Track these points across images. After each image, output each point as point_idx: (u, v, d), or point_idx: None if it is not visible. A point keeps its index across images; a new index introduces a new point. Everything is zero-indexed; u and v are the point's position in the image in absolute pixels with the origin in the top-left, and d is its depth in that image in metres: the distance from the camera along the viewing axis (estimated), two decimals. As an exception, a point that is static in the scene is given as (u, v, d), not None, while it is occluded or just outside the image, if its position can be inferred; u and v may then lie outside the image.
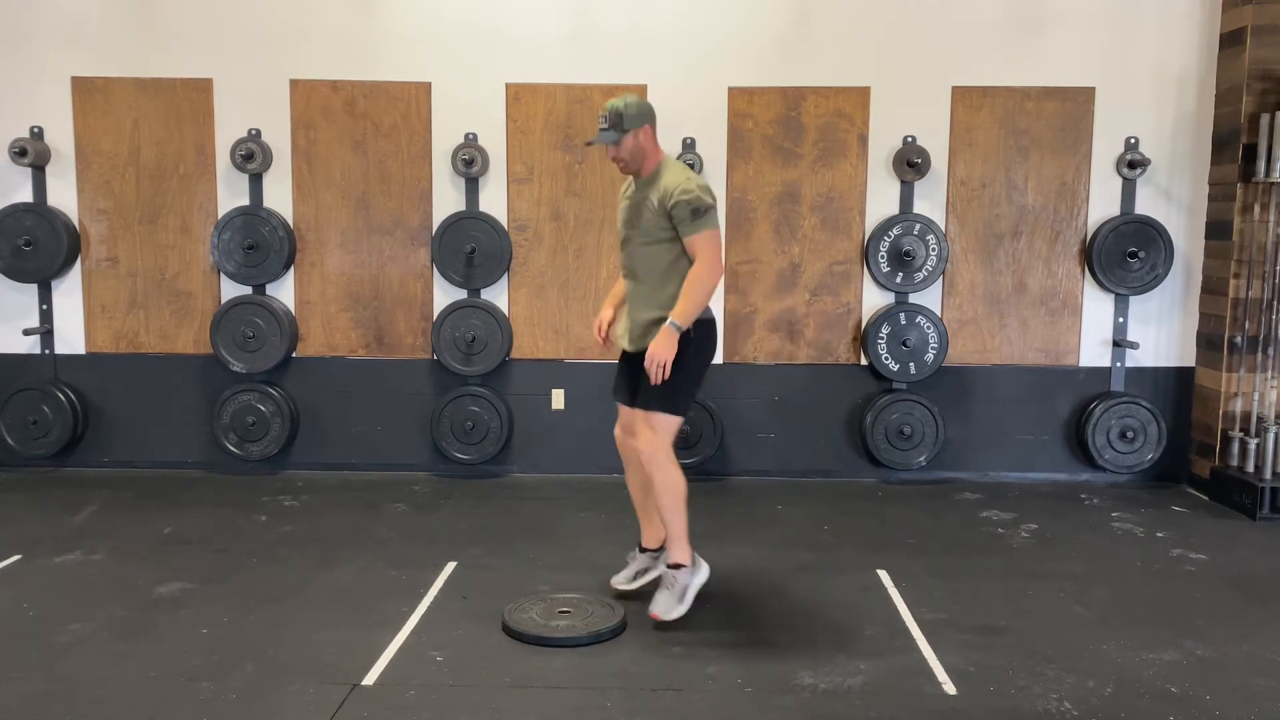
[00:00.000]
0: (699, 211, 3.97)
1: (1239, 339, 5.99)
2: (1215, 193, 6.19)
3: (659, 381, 3.97)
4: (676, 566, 4.15)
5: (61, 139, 6.26)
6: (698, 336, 4.08)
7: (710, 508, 5.67)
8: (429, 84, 6.23)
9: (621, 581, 4.40)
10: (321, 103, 6.24)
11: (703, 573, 4.22)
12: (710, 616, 4.25)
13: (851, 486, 6.27)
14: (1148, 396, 6.31)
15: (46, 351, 6.39)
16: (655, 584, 4.25)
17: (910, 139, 6.20)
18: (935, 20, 6.18)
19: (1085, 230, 6.27)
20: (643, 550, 4.44)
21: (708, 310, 4.13)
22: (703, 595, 4.43)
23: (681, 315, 3.96)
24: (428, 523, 5.51)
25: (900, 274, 6.22)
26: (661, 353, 3.95)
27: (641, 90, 6.19)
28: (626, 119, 4.03)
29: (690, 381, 4.14)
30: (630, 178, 4.24)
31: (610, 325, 4.37)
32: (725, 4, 6.19)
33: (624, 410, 4.32)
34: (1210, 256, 6.23)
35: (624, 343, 4.27)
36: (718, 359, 6.28)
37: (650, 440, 4.07)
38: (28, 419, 6.27)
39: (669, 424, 4.10)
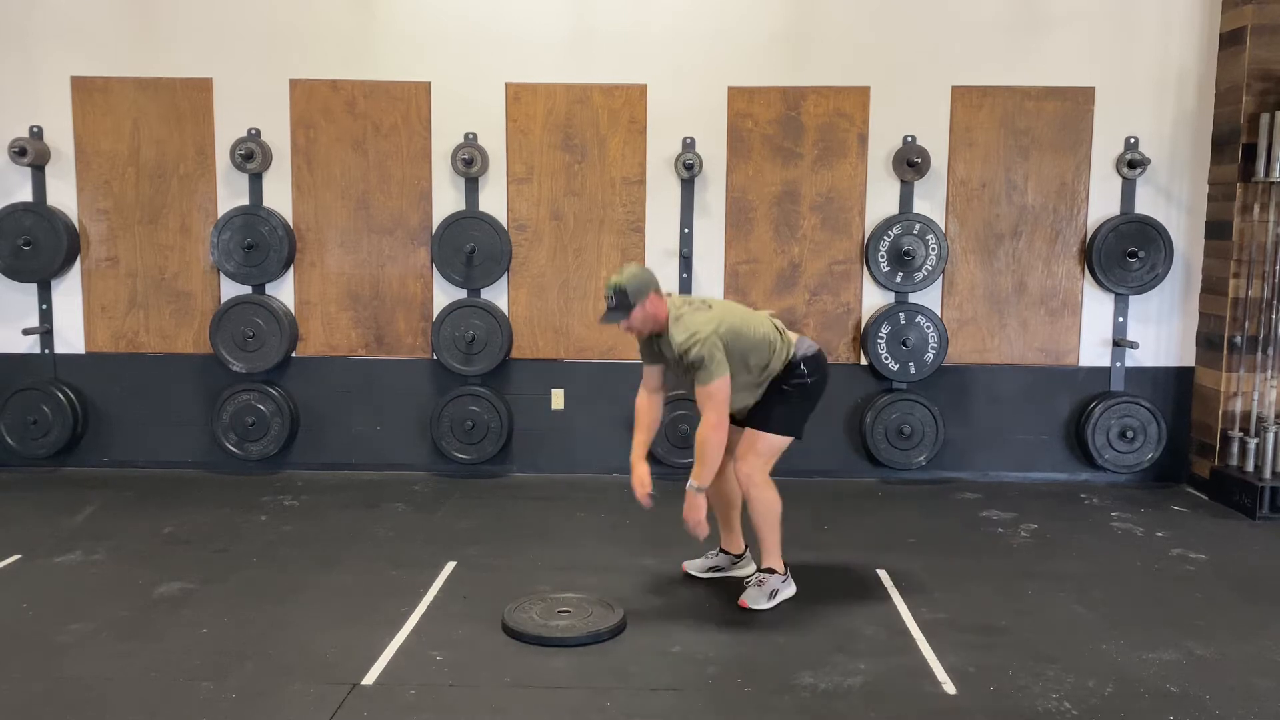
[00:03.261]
0: (697, 366, 4.13)
1: (1239, 339, 5.99)
2: (1215, 192, 6.19)
3: (699, 536, 4.30)
4: (769, 570, 4.40)
5: (61, 139, 6.26)
6: (810, 370, 4.36)
7: (710, 508, 5.66)
8: (429, 84, 6.23)
9: (695, 568, 4.68)
10: (321, 102, 6.24)
11: (792, 587, 4.45)
12: (710, 616, 4.25)
13: (851, 486, 6.27)
14: (1148, 396, 6.31)
15: (46, 351, 6.39)
16: (716, 578, 4.62)
17: (910, 139, 6.20)
18: (935, 20, 6.18)
19: (1085, 230, 6.27)
20: (723, 551, 4.70)
21: (808, 347, 4.40)
22: (704, 595, 4.44)
23: (699, 477, 4.20)
24: (428, 523, 5.51)
25: (900, 274, 6.22)
26: (690, 516, 4.23)
27: (641, 90, 6.20)
28: (630, 294, 4.14)
29: (806, 409, 4.43)
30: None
31: (649, 477, 4.40)
32: (725, 4, 6.19)
33: (733, 436, 4.41)
34: (1210, 256, 6.23)
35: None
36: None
37: (752, 464, 4.32)
38: (28, 419, 6.27)
39: (779, 445, 4.38)
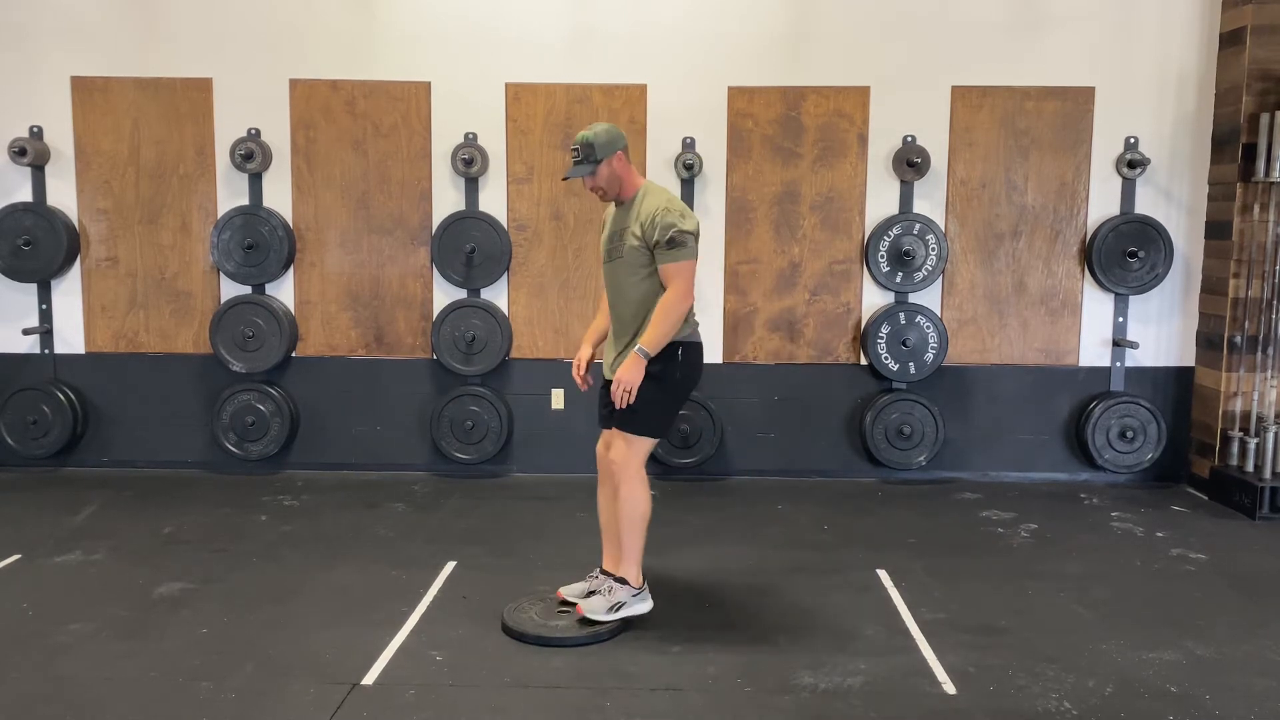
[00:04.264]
0: (675, 242, 3.93)
1: (1239, 339, 5.99)
2: (1215, 192, 6.19)
3: (623, 406, 3.96)
4: (623, 581, 4.10)
5: (61, 139, 6.26)
6: (684, 360, 4.08)
7: (710, 507, 5.68)
8: (429, 84, 6.23)
9: (573, 593, 4.22)
10: (321, 102, 6.24)
11: (645, 604, 4.13)
12: (710, 616, 4.25)
13: (851, 486, 6.27)
14: (1147, 396, 6.31)
15: (46, 351, 6.39)
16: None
17: (910, 139, 6.20)
18: (935, 20, 6.18)
19: (1085, 230, 6.27)
20: (603, 572, 4.22)
21: (696, 334, 4.12)
22: (703, 595, 4.44)
23: (649, 342, 3.95)
24: (428, 523, 5.51)
25: (900, 274, 6.22)
26: (628, 378, 3.94)
27: (641, 90, 6.19)
28: (598, 148, 4.00)
29: (671, 404, 4.13)
30: (611, 204, 4.21)
31: (588, 363, 4.28)
32: (725, 4, 6.19)
33: (607, 433, 4.22)
34: (1210, 256, 6.23)
35: (606, 371, 4.22)
36: (716, 358, 6.31)
37: (623, 453, 4.06)
38: (28, 419, 6.27)
39: (644, 444, 4.10)
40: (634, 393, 3.94)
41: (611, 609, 4.04)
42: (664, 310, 3.94)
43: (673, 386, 4.07)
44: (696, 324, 4.14)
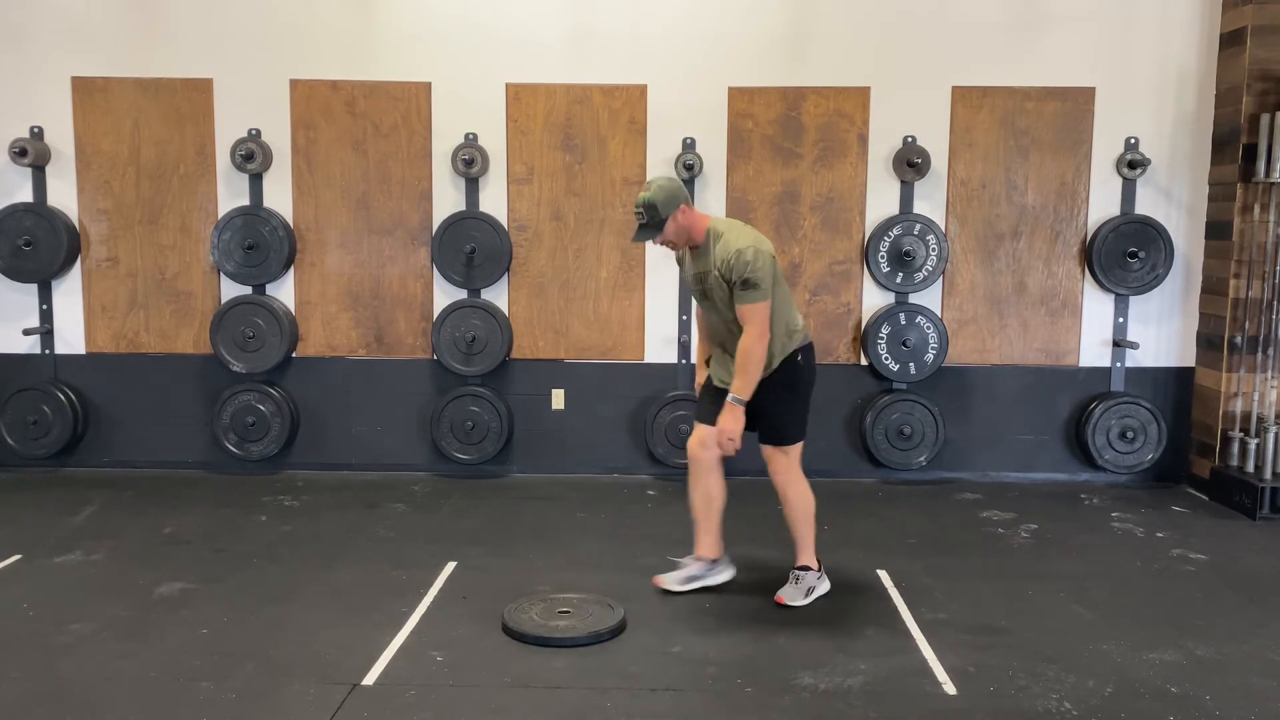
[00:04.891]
0: (748, 284, 4.09)
1: (1239, 339, 5.99)
2: (1215, 193, 6.19)
3: (731, 453, 4.26)
4: (804, 568, 4.44)
5: (61, 139, 6.26)
6: (804, 363, 4.37)
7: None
8: (429, 84, 6.23)
9: (672, 582, 4.47)
10: (321, 103, 6.24)
11: (826, 584, 4.48)
12: (710, 616, 4.25)
13: (851, 486, 6.27)
14: (1148, 396, 6.31)
15: (46, 351, 6.39)
16: (706, 586, 4.50)
17: (910, 139, 6.20)
18: (935, 20, 6.18)
19: (1085, 230, 6.27)
20: (698, 558, 4.52)
21: (806, 337, 4.38)
22: (703, 595, 4.43)
23: (740, 390, 4.17)
24: (428, 523, 5.51)
25: (900, 274, 6.22)
26: (729, 428, 4.20)
27: (641, 90, 6.19)
28: (660, 207, 4.07)
29: (806, 404, 4.44)
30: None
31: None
32: (725, 4, 6.19)
33: (704, 429, 4.38)
34: (1210, 256, 6.23)
35: (715, 379, 4.43)
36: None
37: (782, 464, 4.39)
38: (28, 419, 6.27)
39: (799, 449, 4.43)
40: (739, 438, 4.21)
41: (806, 594, 4.38)
42: (744, 355, 4.15)
43: (804, 389, 4.41)
44: (802, 327, 4.37)
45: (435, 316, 6.31)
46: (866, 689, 3.64)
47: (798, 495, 4.41)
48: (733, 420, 4.18)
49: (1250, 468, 5.90)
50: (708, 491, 4.44)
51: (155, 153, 6.27)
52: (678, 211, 4.10)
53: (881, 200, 6.26)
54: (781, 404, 4.32)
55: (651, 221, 4.08)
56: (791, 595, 4.37)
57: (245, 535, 5.26)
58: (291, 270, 6.34)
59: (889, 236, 6.19)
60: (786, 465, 4.38)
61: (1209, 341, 6.20)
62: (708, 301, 4.30)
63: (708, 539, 4.50)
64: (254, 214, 6.21)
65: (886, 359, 6.22)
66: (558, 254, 6.32)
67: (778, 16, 6.20)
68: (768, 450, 4.40)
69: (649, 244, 6.17)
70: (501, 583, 4.55)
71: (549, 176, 6.27)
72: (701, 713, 3.49)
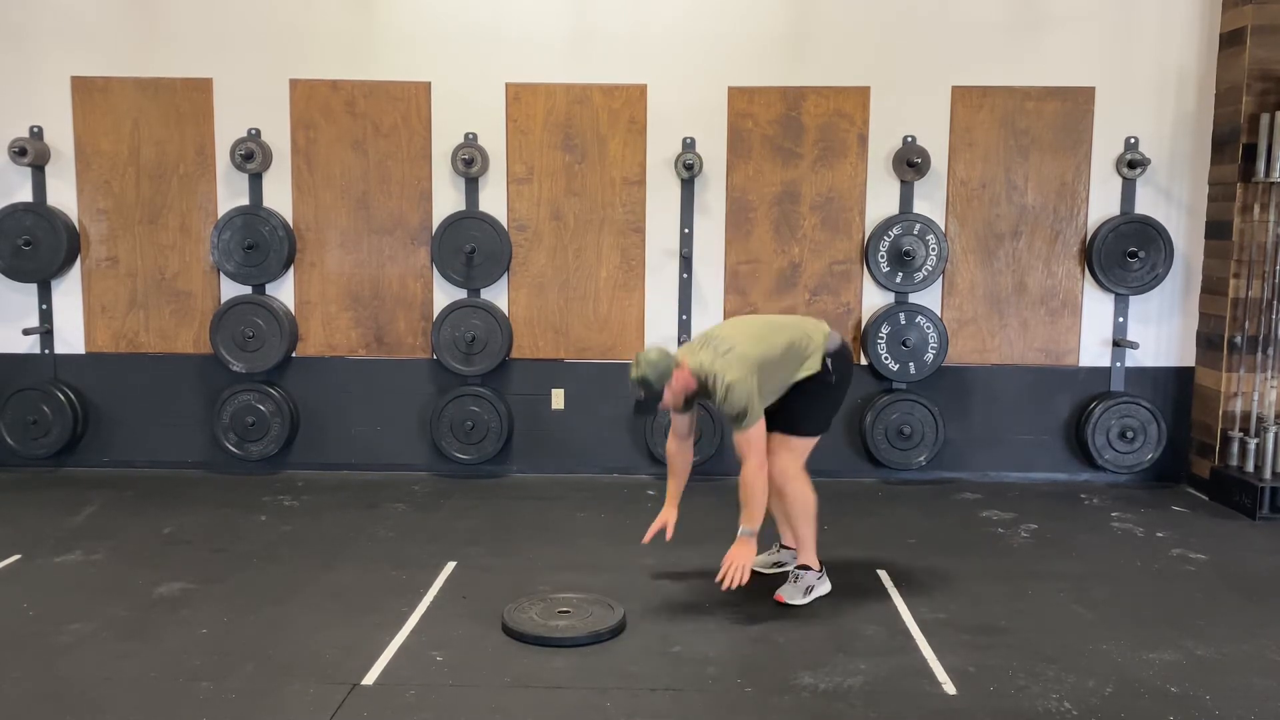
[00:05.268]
0: (737, 417, 4.15)
1: (1239, 339, 5.99)
2: (1215, 193, 6.19)
3: (731, 587, 4.18)
4: (805, 568, 4.48)
5: (61, 139, 6.26)
6: (836, 367, 4.41)
7: (710, 508, 5.67)
8: (429, 84, 6.23)
9: (759, 564, 4.59)
10: (321, 103, 6.24)
11: (827, 584, 4.49)
12: (710, 616, 4.25)
13: (852, 486, 6.27)
14: (1147, 396, 6.31)
15: (46, 351, 6.39)
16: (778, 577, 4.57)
17: (910, 139, 6.20)
18: (935, 20, 6.18)
19: (1085, 230, 6.27)
20: (784, 547, 4.73)
21: (833, 342, 4.42)
22: (704, 595, 4.43)
23: (750, 521, 4.21)
24: (428, 523, 5.51)
25: (900, 274, 6.22)
26: (740, 559, 4.20)
27: (641, 90, 6.19)
28: (655, 382, 4.13)
29: (828, 405, 4.51)
30: None
31: (672, 525, 4.52)
32: (725, 4, 6.19)
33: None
34: (1210, 256, 6.23)
35: None
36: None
37: (785, 459, 4.39)
38: (28, 419, 6.27)
39: (807, 444, 4.47)
40: (746, 571, 4.19)
41: (805, 593, 4.40)
42: (747, 489, 4.21)
43: (836, 388, 4.47)
44: (829, 333, 4.43)
45: (435, 316, 6.30)
46: (866, 689, 3.64)
47: (795, 492, 4.41)
48: (745, 554, 4.19)
49: (1250, 468, 5.90)
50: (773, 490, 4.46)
51: (155, 152, 6.27)
52: (671, 380, 4.16)
53: (881, 200, 6.26)
54: (806, 395, 4.37)
55: (650, 396, 4.15)
56: (791, 594, 4.39)
57: (245, 535, 5.26)
58: (291, 270, 6.34)
59: (889, 236, 6.19)
60: (789, 460, 4.39)
61: (1209, 341, 6.20)
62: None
63: (788, 530, 4.64)
64: (254, 214, 6.21)
65: (886, 359, 6.22)
66: (557, 254, 6.32)
67: (778, 16, 6.19)
68: (775, 439, 4.36)
69: (648, 246, 6.26)
70: (501, 583, 4.55)
71: (549, 176, 6.27)
72: (701, 713, 3.49)
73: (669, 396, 4.19)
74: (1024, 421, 6.40)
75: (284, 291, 6.37)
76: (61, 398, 6.28)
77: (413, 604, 4.33)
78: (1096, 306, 6.32)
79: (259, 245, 6.20)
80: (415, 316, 6.37)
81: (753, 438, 4.17)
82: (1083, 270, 6.29)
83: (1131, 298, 6.28)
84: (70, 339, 6.40)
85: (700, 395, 4.29)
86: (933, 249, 6.19)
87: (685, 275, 6.31)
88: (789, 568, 4.59)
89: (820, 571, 4.48)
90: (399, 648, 3.92)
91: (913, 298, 6.29)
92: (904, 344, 6.21)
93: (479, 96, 6.22)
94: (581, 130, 6.22)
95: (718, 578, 4.19)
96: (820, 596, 4.43)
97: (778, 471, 4.37)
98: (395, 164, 6.28)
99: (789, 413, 4.38)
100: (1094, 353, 6.35)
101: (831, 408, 4.53)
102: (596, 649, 3.93)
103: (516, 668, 3.77)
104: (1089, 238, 6.25)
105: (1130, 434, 6.24)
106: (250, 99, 6.22)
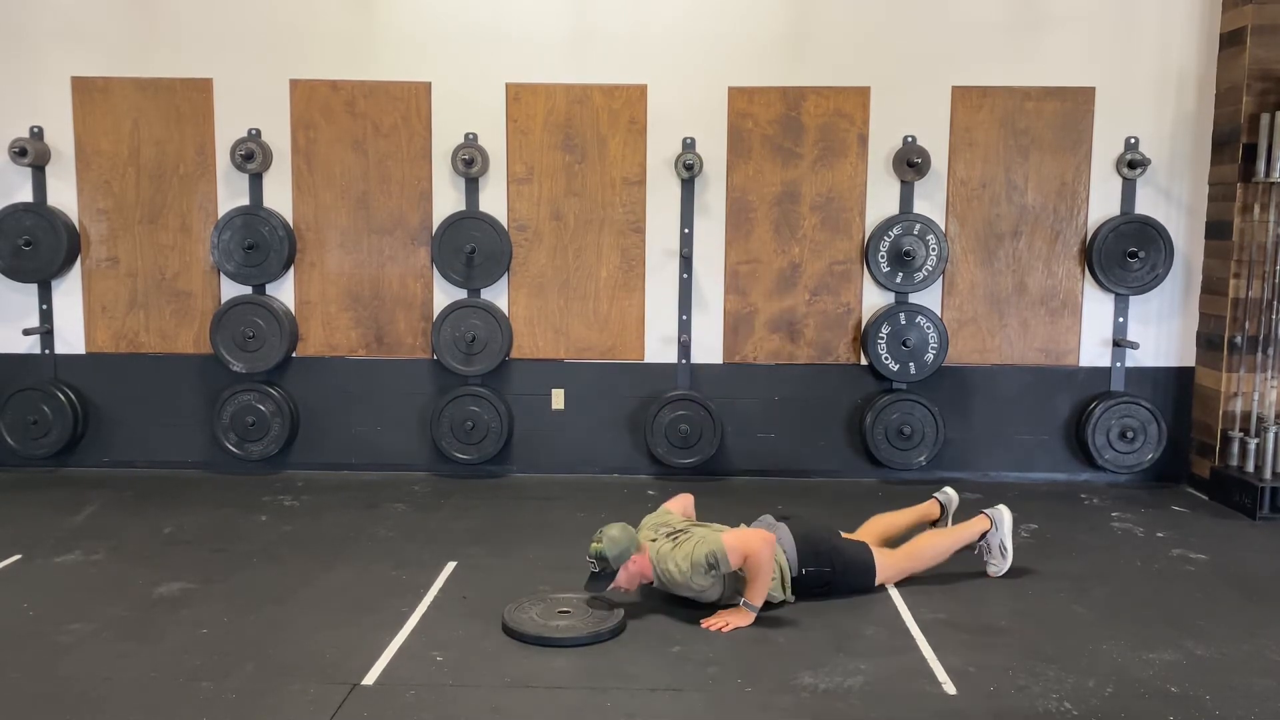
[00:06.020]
0: (712, 566, 4.09)
1: (1239, 339, 5.98)
2: (1215, 193, 6.19)
3: (711, 630, 4.10)
4: (982, 535, 4.69)
5: (61, 139, 6.26)
6: (815, 567, 4.46)
7: (710, 508, 5.66)
8: (429, 84, 6.23)
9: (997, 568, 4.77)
10: (321, 103, 6.24)
11: (1003, 518, 4.71)
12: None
13: (852, 487, 6.27)
14: (1148, 396, 6.31)
15: (46, 351, 6.39)
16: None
17: (910, 139, 6.20)
18: (935, 20, 6.18)
19: (1085, 230, 6.27)
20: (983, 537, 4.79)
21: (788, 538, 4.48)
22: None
23: (753, 596, 4.15)
24: (428, 523, 5.51)
25: (900, 274, 6.22)
26: (733, 621, 4.12)
27: (641, 90, 6.19)
28: (614, 560, 4.08)
29: (839, 556, 4.55)
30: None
31: None
32: (725, 4, 6.19)
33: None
34: (1210, 256, 6.23)
35: None
36: (716, 359, 6.33)
37: (884, 575, 4.59)
38: (28, 419, 6.27)
39: (881, 563, 4.59)
40: (731, 629, 4.11)
41: (1000, 552, 4.69)
42: (755, 565, 4.12)
43: (826, 562, 4.54)
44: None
45: (435, 316, 6.31)
46: (866, 689, 3.64)
47: (910, 555, 4.66)
48: (738, 619, 4.13)
49: (1250, 468, 5.90)
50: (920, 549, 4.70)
51: (155, 152, 6.27)
52: (629, 561, 4.12)
53: (881, 200, 6.26)
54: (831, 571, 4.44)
55: (604, 572, 4.10)
56: (997, 567, 4.67)
57: (245, 535, 5.26)
58: (291, 270, 6.34)
59: (889, 236, 6.19)
60: (893, 560, 4.59)
61: (1209, 341, 6.20)
62: None
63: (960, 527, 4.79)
64: (254, 214, 6.21)
65: (886, 359, 6.22)
66: (558, 254, 6.32)
67: (778, 16, 6.19)
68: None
69: (648, 246, 6.26)
70: (501, 583, 4.55)
71: (549, 176, 6.27)
72: (701, 713, 3.49)
73: (622, 577, 4.13)
74: (1024, 421, 6.40)
75: (284, 291, 6.37)
76: (62, 398, 6.28)
77: (413, 604, 4.33)
78: (1096, 306, 6.32)
79: (259, 245, 6.20)
80: (415, 316, 6.37)
81: (740, 540, 4.11)
82: (1083, 270, 6.29)
83: (1131, 298, 6.28)
84: (70, 339, 6.40)
85: (663, 580, 4.21)
86: (933, 249, 6.19)
87: (685, 275, 6.31)
88: (1002, 536, 4.70)
89: (991, 525, 4.67)
90: (399, 648, 3.92)
91: (913, 298, 6.29)
92: (904, 344, 6.21)
93: (479, 96, 6.22)
94: (582, 130, 6.23)
95: (704, 623, 4.12)
96: (1008, 541, 4.66)
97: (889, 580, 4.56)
98: (395, 164, 6.28)
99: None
100: (1094, 353, 6.35)
101: (841, 557, 4.50)
102: (596, 649, 3.93)
103: (516, 668, 3.77)
104: (1089, 238, 6.25)
105: (1130, 434, 6.24)
106: (250, 99, 6.22)
